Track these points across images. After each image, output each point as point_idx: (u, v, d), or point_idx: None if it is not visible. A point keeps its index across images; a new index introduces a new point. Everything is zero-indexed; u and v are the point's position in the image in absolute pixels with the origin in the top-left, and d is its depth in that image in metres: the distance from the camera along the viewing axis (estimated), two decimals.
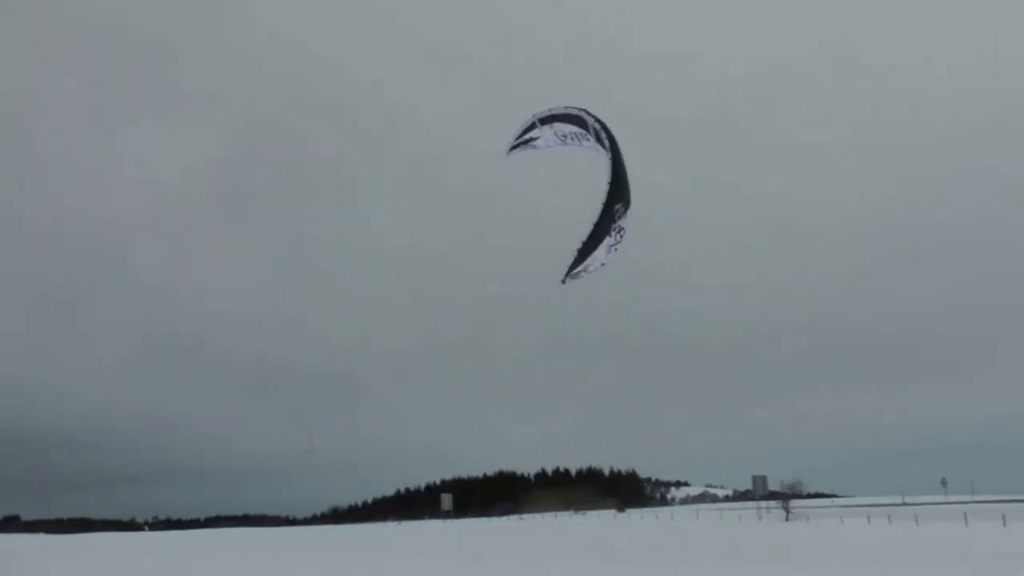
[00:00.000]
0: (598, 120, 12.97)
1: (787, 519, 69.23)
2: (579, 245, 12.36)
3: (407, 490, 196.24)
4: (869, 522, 59.77)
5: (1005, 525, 47.08)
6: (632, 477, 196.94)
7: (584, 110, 13.20)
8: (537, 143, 14.10)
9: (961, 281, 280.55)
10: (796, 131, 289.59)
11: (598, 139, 13.03)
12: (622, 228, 12.63)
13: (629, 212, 12.67)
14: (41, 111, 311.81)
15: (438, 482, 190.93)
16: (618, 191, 12.50)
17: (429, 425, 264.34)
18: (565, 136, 13.75)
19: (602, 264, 12.81)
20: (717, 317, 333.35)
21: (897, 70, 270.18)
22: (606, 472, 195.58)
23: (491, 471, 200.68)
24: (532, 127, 13.99)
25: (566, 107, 13.39)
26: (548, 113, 13.69)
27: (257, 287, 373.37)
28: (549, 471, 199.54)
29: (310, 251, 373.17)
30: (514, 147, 14.48)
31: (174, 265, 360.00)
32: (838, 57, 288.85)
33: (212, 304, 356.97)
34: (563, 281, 12.88)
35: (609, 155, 12.64)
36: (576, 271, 12.69)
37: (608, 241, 12.58)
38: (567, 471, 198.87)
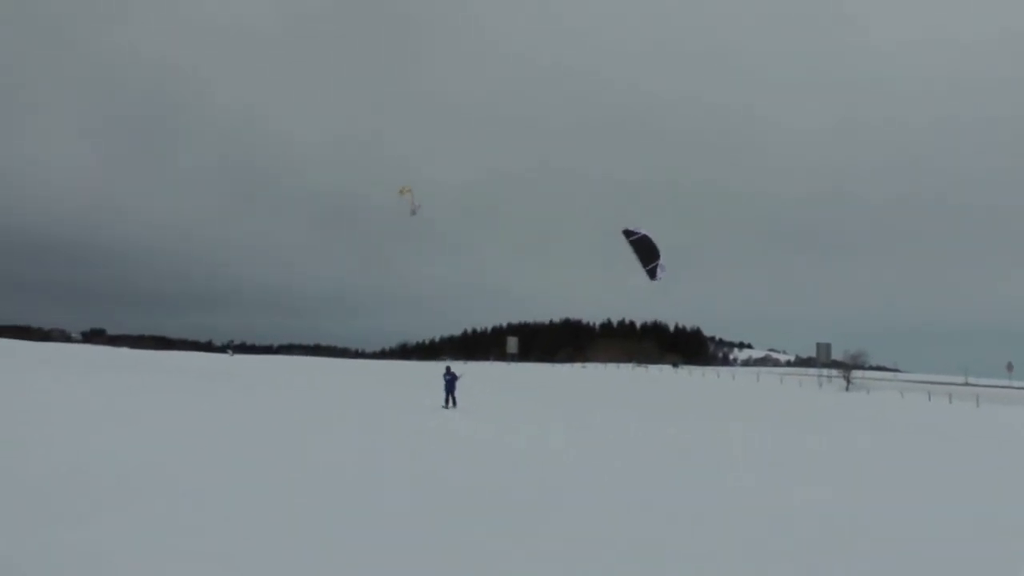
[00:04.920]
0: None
1: (847, 389, 70.29)
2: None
3: (473, 331, 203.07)
4: (929, 399, 60.24)
5: None
6: (696, 335, 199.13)
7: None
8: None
9: None
10: None
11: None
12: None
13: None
14: None
15: (504, 325, 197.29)
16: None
17: (497, 267, 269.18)
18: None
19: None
20: (790, 169, 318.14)
21: None
22: (671, 327, 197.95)
23: (557, 318, 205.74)
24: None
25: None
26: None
27: (340, 119, 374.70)
28: (614, 322, 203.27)
29: (403, 91, 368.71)
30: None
31: (257, 91, 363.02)
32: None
33: (294, 131, 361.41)
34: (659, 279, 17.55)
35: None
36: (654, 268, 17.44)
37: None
38: (632, 323, 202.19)
